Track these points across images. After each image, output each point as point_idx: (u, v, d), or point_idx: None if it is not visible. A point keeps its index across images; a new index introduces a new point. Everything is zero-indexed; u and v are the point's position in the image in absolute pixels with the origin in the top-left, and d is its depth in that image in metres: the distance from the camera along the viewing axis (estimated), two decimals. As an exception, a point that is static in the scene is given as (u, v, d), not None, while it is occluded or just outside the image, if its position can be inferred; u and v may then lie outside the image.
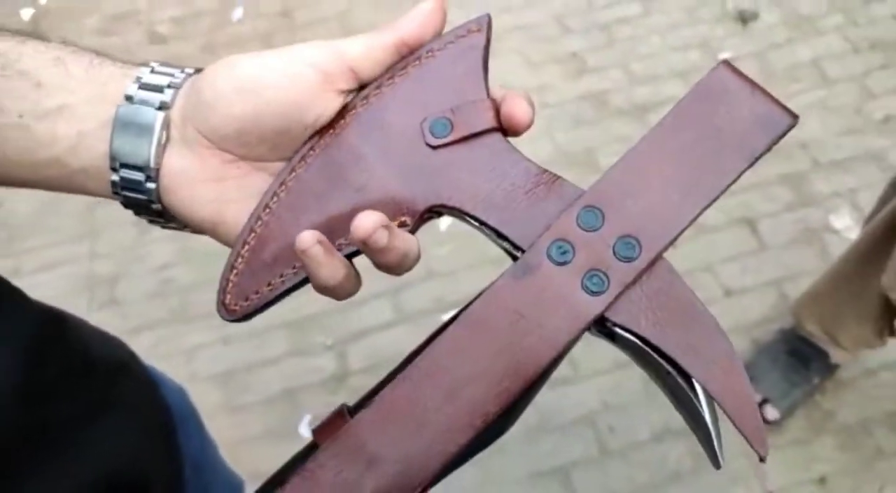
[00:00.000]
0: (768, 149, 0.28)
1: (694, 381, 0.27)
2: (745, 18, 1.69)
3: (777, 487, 1.16)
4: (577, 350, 1.14)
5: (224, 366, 1.33)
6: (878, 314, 1.05)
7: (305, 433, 1.25)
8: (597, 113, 1.60)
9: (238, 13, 1.88)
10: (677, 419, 1.23)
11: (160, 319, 1.40)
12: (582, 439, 1.22)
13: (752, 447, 0.27)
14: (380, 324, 1.36)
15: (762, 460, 0.27)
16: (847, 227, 1.38)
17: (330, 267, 0.28)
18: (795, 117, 0.29)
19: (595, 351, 1.27)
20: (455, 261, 1.39)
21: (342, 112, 0.30)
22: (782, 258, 1.37)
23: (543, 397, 1.38)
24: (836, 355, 1.16)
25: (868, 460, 1.17)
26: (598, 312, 0.27)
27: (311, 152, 0.30)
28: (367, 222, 0.27)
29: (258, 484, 0.31)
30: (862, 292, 1.05)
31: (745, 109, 0.29)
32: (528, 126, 0.30)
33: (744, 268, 1.36)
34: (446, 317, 0.30)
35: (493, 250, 1.34)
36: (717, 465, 0.29)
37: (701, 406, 0.28)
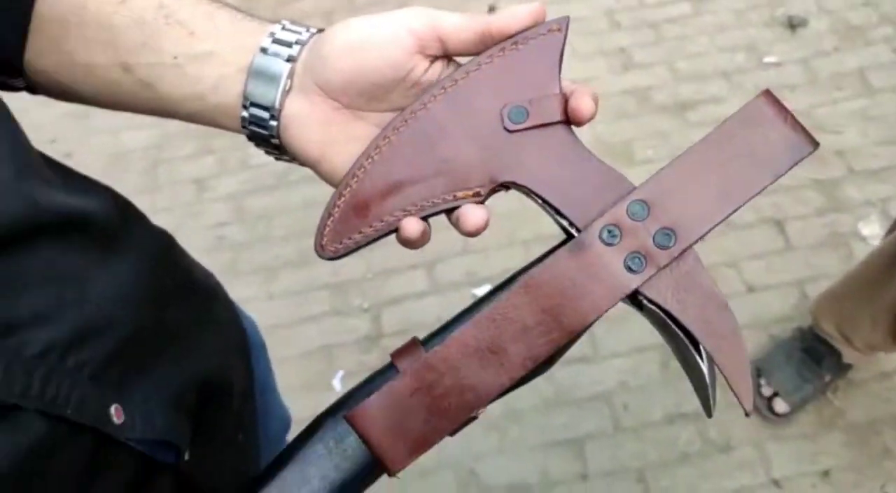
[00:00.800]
0: (790, 169, 0.34)
1: (701, 348, 0.33)
2: (793, 24, 1.72)
3: (782, 476, 1.21)
4: (598, 331, 1.22)
5: (268, 321, 1.42)
6: (892, 320, 1.09)
7: (338, 387, 1.34)
8: (638, 107, 1.64)
9: (301, -9, 1.97)
10: (690, 404, 1.31)
11: (212, 271, 1.51)
12: (597, 414, 1.28)
13: (741, 404, 0.33)
14: (414, 292, 1.44)
15: (747, 414, 0.33)
16: (875, 235, 1.41)
17: (422, 240, 0.36)
18: (817, 145, 0.34)
19: (616, 334, 1.33)
20: (488, 240, 1.46)
21: (431, 89, 0.35)
22: (808, 260, 1.41)
23: (561, 372, 1.46)
24: (849, 355, 1.20)
25: (874, 458, 1.22)
26: (634, 287, 0.33)
27: (403, 123, 0.35)
28: (479, 220, 0.34)
29: (296, 429, 0.37)
30: (879, 296, 1.08)
31: (777, 134, 0.34)
32: (590, 119, 0.35)
33: (769, 266, 1.41)
34: (476, 290, 0.36)
35: (523, 232, 1.45)
36: (709, 414, 0.35)
37: (703, 368, 0.34)
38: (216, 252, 1.53)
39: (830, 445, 1.23)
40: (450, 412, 0.33)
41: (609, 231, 0.33)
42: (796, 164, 0.34)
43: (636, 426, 1.27)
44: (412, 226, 0.35)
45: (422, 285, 1.45)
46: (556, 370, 1.54)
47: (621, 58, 1.73)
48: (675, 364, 1.47)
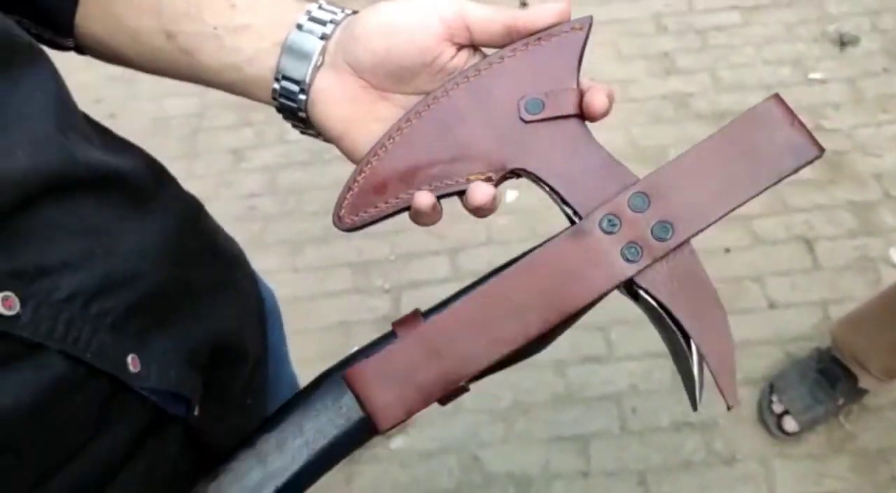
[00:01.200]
0: (794, 171, 0.35)
1: (691, 340, 0.34)
2: (844, 42, 1.68)
3: (784, 493, 1.21)
4: (614, 333, 1.23)
5: (291, 292, 1.46)
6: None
7: (353, 363, 1.37)
8: (676, 113, 1.63)
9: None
10: (698, 414, 1.30)
11: (241, 241, 1.53)
12: (605, 414, 1.29)
13: (723, 397, 0.34)
14: (435, 278, 1.46)
15: (729, 409, 0.34)
16: (906, 262, 1.39)
17: (432, 217, 0.37)
18: (822, 150, 0.35)
19: (631, 337, 1.34)
20: (512, 232, 1.48)
21: (455, 77, 0.37)
22: (834, 281, 1.39)
23: (573, 370, 1.46)
24: (864, 380, 1.19)
25: (881, 486, 1.20)
26: (629, 275, 0.34)
27: (426, 107, 0.37)
28: (485, 196, 0.35)
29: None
30: (900, 323, 1.08)
31: (782, 136, 0.35)
32: (602, 116, 0.36)
33: (793, 284, 1.39)
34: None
35: (547, 227, 1.46)
36: (694, 408, 0.36)
37: (692, 360, 0.34)
38: (247, 222, 1.57)
39: (837, 468, 1.22)
40: (440, 379, 0.34)
41: (609, 220, 0.35)
42: (801, 167, 0.35)
43: (642, 429, 1.27)
44: (424, 199, 0.36)
45: (443, 271, 1.47)
46: (569, 367, 1.53)
47: (664, 62, 1.72)
48: (687, 372, 1.45)
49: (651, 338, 1.52)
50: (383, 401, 0.34)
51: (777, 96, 0.36)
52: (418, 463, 1.27)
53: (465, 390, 0.35)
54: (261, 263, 1.73)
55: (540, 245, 0.36)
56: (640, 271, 0.34)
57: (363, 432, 0.36)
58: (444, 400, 0.35)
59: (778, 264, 1.42)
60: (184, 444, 0.43)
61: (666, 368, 1.31)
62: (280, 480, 0.35)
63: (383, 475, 1.26)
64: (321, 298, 1.47)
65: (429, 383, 0.34)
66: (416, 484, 1.26)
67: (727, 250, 1.43)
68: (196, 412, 0.44)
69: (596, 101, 0.35)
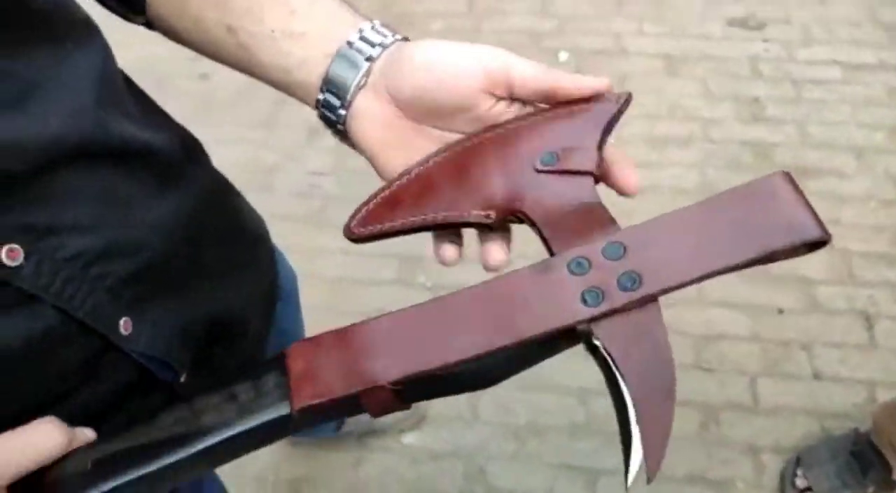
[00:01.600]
0: (788, 249, 0.33)
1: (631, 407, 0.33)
2: (951, 116, 1.59)
3: (792, 571, 1.16)
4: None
5: (339, 273, 1.50)
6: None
7: (382, 353, 1.39)
8: (756, 162, 1.58)
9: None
10: (717, 472, 1.27)
11: (299, 215, 1.59)
12: (620, 452, 1.25)
13: (646, 466, 0.32)
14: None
15: (648, 482, 0.32)
16: (972, 358, 1.30)
17: (452, 257, 0.38)
18: (827, 234, 0.32)
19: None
20: (565, 254, 1.46)
21: (491, 126, 0.39)
22: (888, 363, 1.32)
23: (597, 401, 1.44)
24: (900, 472, 1.13)
25: None
26: (582, 317, 0.33)
27: (455, 147, 0.39)
28: (499, 258, 0.37)
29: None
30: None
31: (783, 209, 0.33)
32: (630, 191, 0.36)
33: (844, 358, 1.33)
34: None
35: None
36: (625, 482, 0.33)
37: (632, 425, 0.33)
38: (307, 198, 1.61)
39: (855, 557, 1.17)
40: (356, 375, 0.34)
41: (578, 263, 0.34)
42: (796, 247, 0.33)
43: (657, 477, 1.24)
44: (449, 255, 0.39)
45: (487, 277, 1.47)
46: (592, 397, 1.50)
47: (753, 108, 1.67)
48: (713, 428, 1.41)
49: (682, 386, 1.47)
50: (303, 379, 0.35)
51: (788, 173, 0.34)
52: (426, 462, 1.28)
53: (399, 405, 0.35)
54: (314, 241, 1.78)
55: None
56: (594, 318, 0.33)
57: (286, 418, 0.36)
58: (373, 409, 0.35)
59: (832, 334, 1.36)
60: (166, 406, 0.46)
61: (692, 419, 1.28)
62: (209, 440, 0.35)
63: (391, 467, 1.28)
64: (365, 284, 1.50)
65: (348, 375, 0.34)
66: (420, 482, 1.27)
67: (780, 311, 1.38)
68: (183, 379, 0.45)
69: (625, 177, 0.36)
